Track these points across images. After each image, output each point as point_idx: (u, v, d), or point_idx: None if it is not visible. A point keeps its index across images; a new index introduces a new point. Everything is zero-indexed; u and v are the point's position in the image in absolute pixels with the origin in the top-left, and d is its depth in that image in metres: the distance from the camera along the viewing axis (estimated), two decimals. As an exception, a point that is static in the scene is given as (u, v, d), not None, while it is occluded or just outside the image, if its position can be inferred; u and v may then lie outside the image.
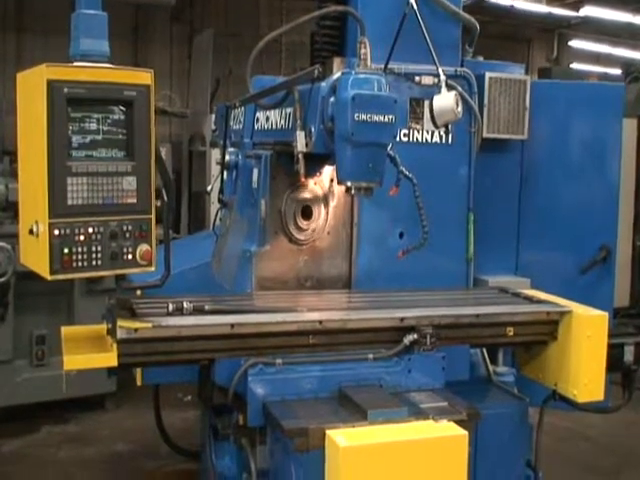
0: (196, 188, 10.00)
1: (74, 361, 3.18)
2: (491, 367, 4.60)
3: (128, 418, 7.33)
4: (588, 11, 17.32)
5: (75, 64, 3.00)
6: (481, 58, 4.81)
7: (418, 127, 4.45)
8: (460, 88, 4.41)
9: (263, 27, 15.15)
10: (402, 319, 3.69)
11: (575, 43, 20.65)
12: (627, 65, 12.02)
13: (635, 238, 9.84)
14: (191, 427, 6.10)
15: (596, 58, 20.98)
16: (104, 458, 6.55)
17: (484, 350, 4.57)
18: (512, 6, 16.74)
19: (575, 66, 20.15)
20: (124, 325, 3.24)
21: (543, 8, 16.74)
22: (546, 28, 19.54)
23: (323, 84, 3.61)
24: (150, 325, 3.29)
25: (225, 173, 4.67)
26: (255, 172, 4.28)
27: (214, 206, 6.04)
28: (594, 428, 7.25)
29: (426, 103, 4.29)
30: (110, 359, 3.19)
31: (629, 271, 9.57)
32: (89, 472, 6.28)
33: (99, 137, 3.00)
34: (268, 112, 4.37)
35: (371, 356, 3.58)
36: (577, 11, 17.56)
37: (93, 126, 2.98)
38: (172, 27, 14.69)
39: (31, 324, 7.01)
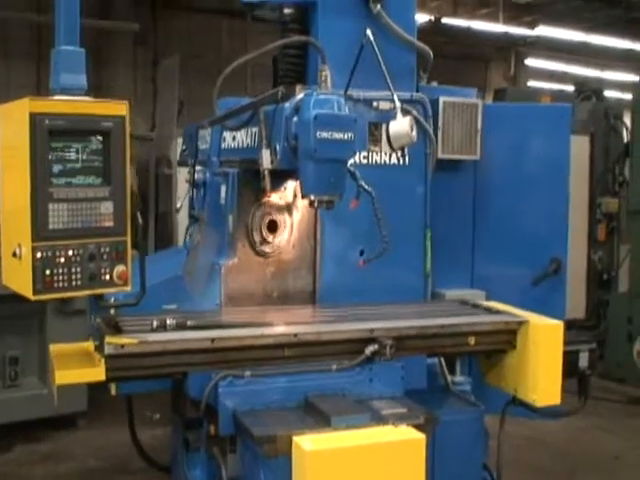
0: (162, 209, 10.12)
1: (65, 376, 3.32)
2: (449, 377, 4.77)
3: (99, 436, 7.41)
4: (543, 30, 17.60)
5: (55, 97, 3.20)
6: (435, 83, 5.02)
7: (376, 149, 4.64)
8: (415, 112, 4.63)
9: (226, 49, 15.32)
10: (372, 330, 3.84)
11: (531, 62, 20.99)
12: (580, 84, 12.34)
13: (590, 252, 10.14)
14: (160, 444, 6.18)
15: (551, 76, 21.35)
16: (77, 474, 6.65)
17: (442, 360, 4.76)
18: (469, 27, 17.00)
19: (532, 84, 20.52)
20: (111, 341, 3.38)
21: (499, 27, 16.95)
22: (503, 47, 19.80)
23: (287, 105, 3.78)
24: (136, 341, 3.44)
25: (194, 191, 4.86)
26: (223, 189, 4.45)
27: (182, 224, 6.20)
28: (550, 435, 7.47)
29: (384, 127, 4.43)
30: (99, 374, 3.34)
31: (584, 284, 9.85)
32: (63, 489, 6.39)
33: (78, 165, 3.17)
34: (235, 132, 4.51)
35: (334, 367, 3.72)
36: (532, 30, 17.86)
37: (72, 155, 3.15)
38: (135, 50, 14.75)
39: (3, 345, 7.09)
